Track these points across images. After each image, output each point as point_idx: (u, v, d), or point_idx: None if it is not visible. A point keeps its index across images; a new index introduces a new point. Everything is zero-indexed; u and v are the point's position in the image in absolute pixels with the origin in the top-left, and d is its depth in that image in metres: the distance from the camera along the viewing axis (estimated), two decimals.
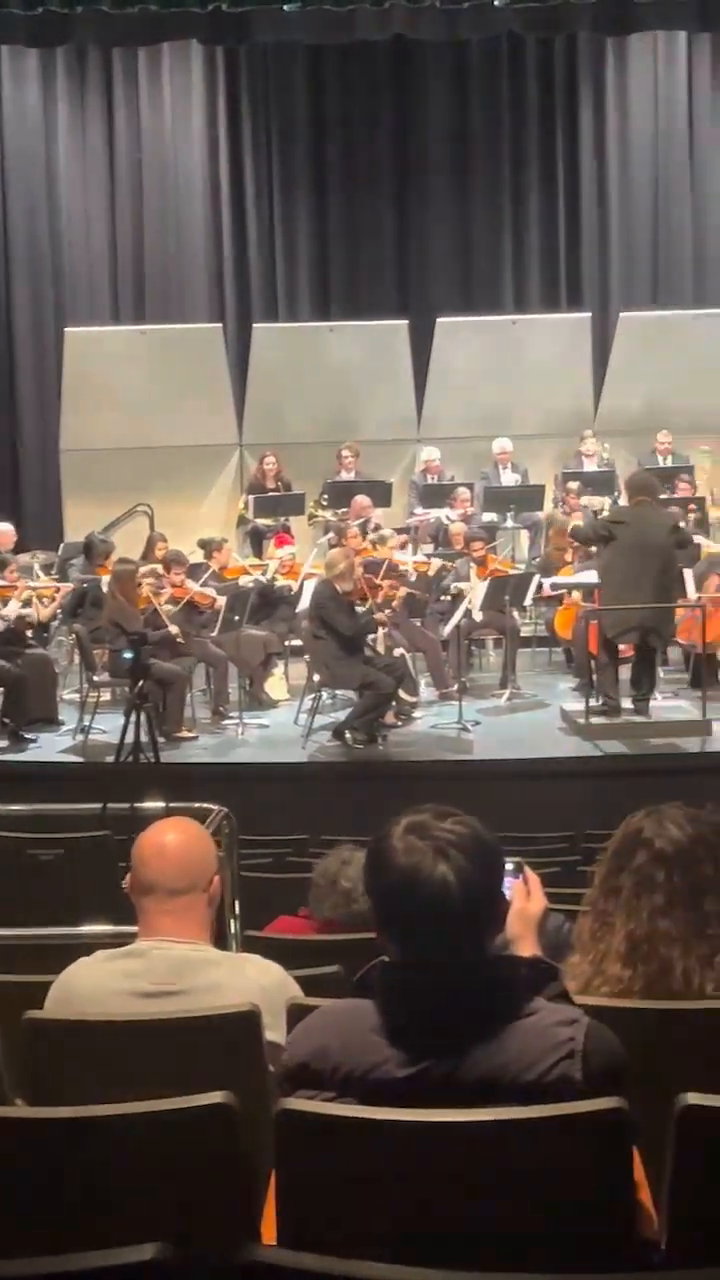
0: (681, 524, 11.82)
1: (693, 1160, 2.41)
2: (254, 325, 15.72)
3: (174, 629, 11.06)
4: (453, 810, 2.57)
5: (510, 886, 2.87)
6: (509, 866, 2.88)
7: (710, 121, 16.70)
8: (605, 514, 12.41)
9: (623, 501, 11.46)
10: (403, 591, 11.34)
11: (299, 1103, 2.41)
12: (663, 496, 13.57)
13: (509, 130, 16.64)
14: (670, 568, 10.72)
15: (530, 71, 16.61)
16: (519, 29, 14.89)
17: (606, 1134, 2.37)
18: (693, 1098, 2.42)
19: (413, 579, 11.92)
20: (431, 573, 12.07)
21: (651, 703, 10.93)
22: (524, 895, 2.89)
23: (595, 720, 10.66)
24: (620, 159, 16.73)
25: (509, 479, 14.94)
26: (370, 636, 11.00)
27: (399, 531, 13.43)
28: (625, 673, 10.97)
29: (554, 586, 12.27)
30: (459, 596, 11.87)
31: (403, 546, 12.76)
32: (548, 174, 16.73)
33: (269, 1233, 2.50)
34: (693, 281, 16.80)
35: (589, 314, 16.03)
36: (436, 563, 12.27)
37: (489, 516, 14.41)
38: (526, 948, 2.81)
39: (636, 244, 16.87)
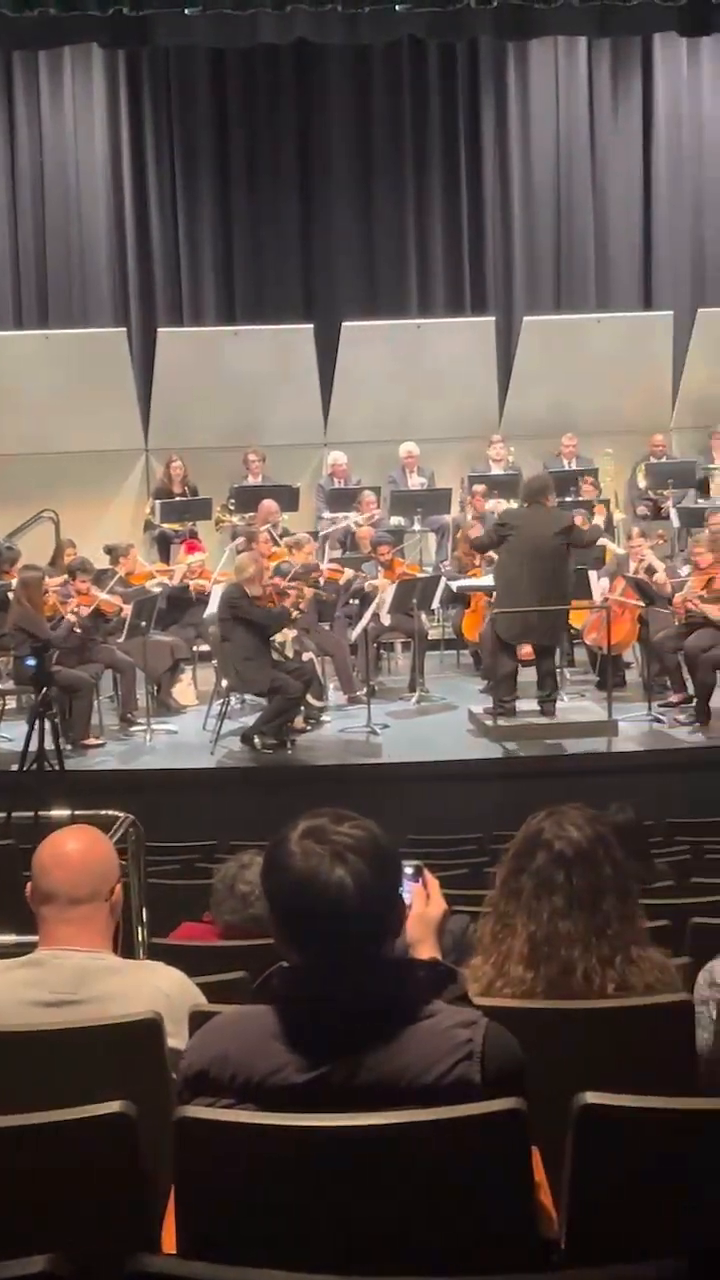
0: (592, 521, 11.92)
1: (590, 1159, 2.43)
2: (158, 330, 15.64)
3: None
4: (350, 814, 2.56)
5: (410, 890, 2.87)
6: (408, 870, 2.88)
7: (611, 126, 16.84)
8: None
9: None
10: (310, 594, 11.33)
11: (196, 1110, 2.40)
12: (566, 498, 13.72)
13: (412, 135, 16.67)
14: (561, 569, 10.72)
15: (432, 76, 16.65)
16: (420, 33, 14.94)
17: (505, 1135, 2.37)
18: (590, 1096, 2.44)
19: (324, 582, 11.90)
20: (342, 581, 12.06)
21: (558, 704, 11.00)
22: (423, 899, 2.88)
23: (503, 722, 10.71)
24: (523, 163, 16.81)
25: (416, 482, 14.97)
26: (278, 640, 10.99)
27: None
28: (532, 674, 11.04)
29: (459, 588, 12.32)
30: (368, 597, 11.88)
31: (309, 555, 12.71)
32: (451, 179, 16.78)
33: (170, 1242, 2.49)
34: (595, 285, 16.92)
35: (493, 318, 16.09)
36: (349, 572, 12.24)
37: (396, 520, 14.44)
38: (426, 951, 2.81)
39: (539, 248, 16.96)
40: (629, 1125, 2.45)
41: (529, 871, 3.34)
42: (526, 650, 10.93)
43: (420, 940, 2.83)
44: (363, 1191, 2.36)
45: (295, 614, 10.95)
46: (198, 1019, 3.14)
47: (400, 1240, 2.37)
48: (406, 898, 2.85)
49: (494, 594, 11.23)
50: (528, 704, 10.92)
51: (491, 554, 11.49)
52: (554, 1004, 3.21)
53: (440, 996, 2.55)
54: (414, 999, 2.49)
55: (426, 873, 2.94)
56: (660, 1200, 2.48)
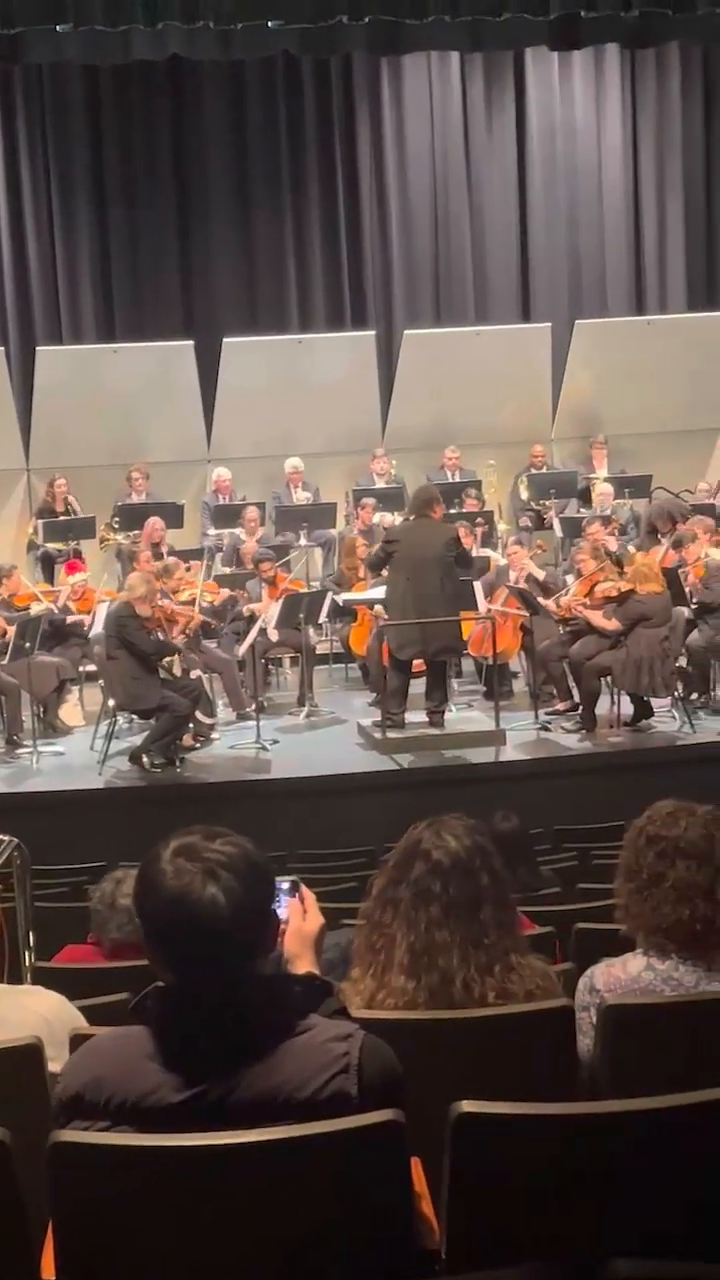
0: (464, 536, 11.99)
1: (468, 1168, 2.44)
2: (37, 348, 15.53)
3: None
4: (222, 830, 2.55)
5: (286, 905, 2.87)
6: (285, 885, 2.88)
7: (485, 140, 16.99)
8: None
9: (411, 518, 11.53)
10: (198, 619, 11.28)
11: (71, 1134, 2.38)
12: (451, 511, 13.79)
13: (288, 150, 16.71)
14: (448, 581, 10.79)
15: (308, 91, 16.70)
16: (294, 49, 14.98)
17: (383, 1147, 2.38)
18: (467, 1106, 2.44)
19: (208, 603, 11.84)
20: (218, 603, 11.99)
21: (446, 714, 11.05)
22: (300, 913, 2.88)
23: (391, 734, 10.73)
24: (399, 177, 16.91)
25: (301, 497, 14.99)
26: (165, 659, 10.93)
27: (191, 555, 13.35)
28: (420, 686, 11.09)
29: (346, 602, 12.34)
30: (252, 618, 11.85)
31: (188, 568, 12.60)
32: (328, 193, 16.84)
33: (50, 1269, 2.46)
34: (474, 298, 17.07)
35: (373, 332, 16.16)
36: (225, 593, 12.18)
37: (283, 535, 14.43)
38: (304, 965, 2.80)
39: (418, 262, 17.07)
40: (506, 1133, 2.46)
41: (407, 882, 3.35)
42: (418, 662, 10.97)
43: (298, 955, 2.82)
44: (242, 1209, 2.35)
45: (182, 638, 10.89)
46: (78, 1043, 3.11)
47: (281, 1256, 2.37)
48: (283, 913, 2.85)
49: (385, 609, 11.25)
50: (416, 715, 10.96)
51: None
52: (435, 1014, 3.22)
53: (317, 1011, 2.55)
54: (290, 1014, 2.48)
55: (303, 887, 2.94)
56: (540, 1207, 2.50)
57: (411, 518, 11.21)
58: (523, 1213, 2.48)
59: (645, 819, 3.66)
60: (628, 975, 3.48)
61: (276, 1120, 2.37)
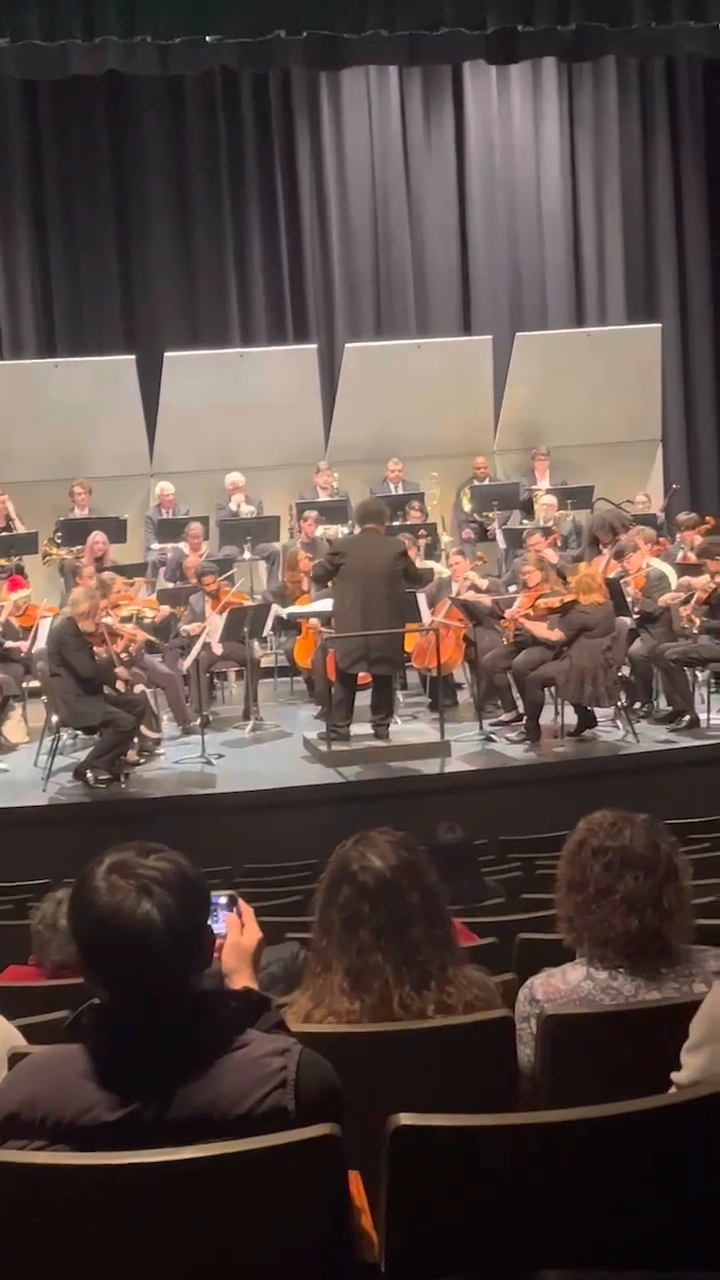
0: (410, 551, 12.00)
1: (406, 1181, 2.44)
2: None
3: None
4: (157, 846, 2.55)
5: (224, 920, 2.87)
6: (222, 900, 2.88)
7: (425, 153, 17.06)
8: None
9: (357, 530, 11.54)
10: (141, 637, 11.24)
11: (6, 1154, 2.36)
12: (395, 523, 13.82)
13: (228, 164, 16.71)
14: (396, 594, 10.81)
15: (246, 106, 16.71)
16: (232, 64, 14.99)
17: (321, 1161, 2.38)
18: (404, 1118, 2.44)
19: (148, 619, 11.79)
20: (159, 619, 11.94)
21: (391, 727, 11.06)
22: (238, 928, 2.88)
23: (337, 747, 10.73)
24: (339, 191, 16.95)
25: (244, 511, 14.97)
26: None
27: (134, 570, 13.32)
28: (367, 698, 11.10)
29: (290, 615, 12.34)
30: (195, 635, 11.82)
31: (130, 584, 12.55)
32: (268, 207, 16.85)
33: None
34: (415, 311, 17.12)
35: (315, 345, 16.19)
36: (165, 609, 12.12)
37: (226, 549, 14.41)
38: (242, 980, 2.80)
39: (359, 275, 17.11)
40: (443, 1145, 2.46)
41: (336, 904, 3.35)
42: (364, 675, 10.98)
43: (236, 970, 2.82)
44: (180, 1226, 2.35)
45: (125, 656, 10.83)
46: (16, 1062, 3.09)
47: (219, 1273, 2.36)
48: (221, 928, 2.85)
49: (330, 621, 11.26)
50: (361, 728, 10.96)
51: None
52: (374, 1027, 3.22)
53: (254, 1026, 2.55)
54: (226, 1030, 2.48)
55: (241, 902, 2.94)
56: (480, 1218, 2.50)
57: (358, 530, 11.22)
58: (462, 1225, 2.48)
59: (585, 830, 3.66)
60: (567, 985, 3.49)
61: (213, 1136, 2.36)
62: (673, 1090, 2.70)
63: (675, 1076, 2.74)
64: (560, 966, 3.57)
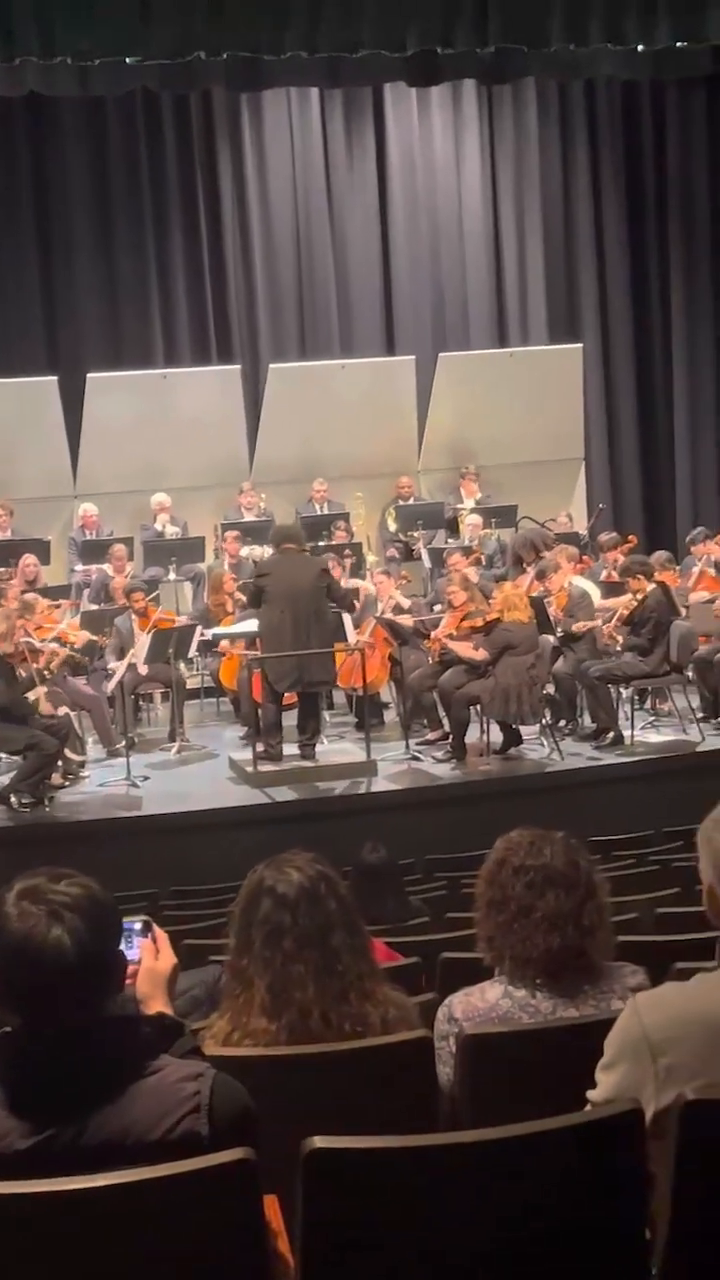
0: (333, 567, 12.03)
1: (320, 1204, 2.43)
2: None
3: None
4: (68, 871, 2.53)
5: (138, 945, 2.85)
6: (137, 925, 2.88)
7: (347, 175, 17.09)
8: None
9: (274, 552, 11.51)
10: (63, 655, 11.17)
11: None
12: (320, 543, 13.85)
13: (150, 185, 16.64)
14: (322, 612, 10.86)
15: (168, 127, 16.65)
16: (153, 85, 14.99)
17: (235, 1185, 2.37)
18: (318, 1141, 2.44)
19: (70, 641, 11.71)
20: (79, 645, 11.82)
21: (318, 746, 11.06)
22: (152, 953, 2.87)
23: (263, 768, 10.71)
24: (261, 212, 16.94)
25: (169, 532, 14.93)
26: (31, 697, 10.80)
27: (58, 591, 13.24)
28: (292, 718, 11.10)
29: (215, 637, 12.31)
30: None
31: (55, 606, 12.46)
32: (191, 228, 16.81)
33: None
34: (339, 331, 17.14)
35: (239, 366, 16.17)
36: (84, 635, 12.02)
37: (151, 570, 14.36)
38: (156, 1005, 2.79)
39: (282, 295, 17.11)
40: (358, 1167, 2.46)
41: (256, 922, 3.35)
42: (291, 696, 11.00)
43: (150, 995, 2.81)
44: (95, 1254, 2.33)
45: (47, 674, 10.76)
46: None
47: None
48: (135, 953, 2.84)
49: (256, 641, 11.24)
50: (288, 748, 10.97)
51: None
52: (292, 1050, 3.21)
53: (169, 1051, 2.54)
54: (139, 1056, 2.47)
55: (155, 927, 2.93)
56: (396, 1239, 2.49)
57: (277, 551, 11.22)
58: (378, 1247, 2.48)
59: (504, 850, 3.68)
60: (486, 1003, 3.50)
61: (127, 1163, 2.36)
62: (588, 1108, 2.71)
63: (590, 1094, 2.75)
64: (479, 985, 3.58)
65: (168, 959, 2.88)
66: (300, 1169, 2.42)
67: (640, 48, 14.81)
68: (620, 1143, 2.53)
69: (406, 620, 11.72)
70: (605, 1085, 2.71)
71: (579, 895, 3.53)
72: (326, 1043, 3.27)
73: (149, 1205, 2.32)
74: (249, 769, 10.76)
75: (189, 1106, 2.41)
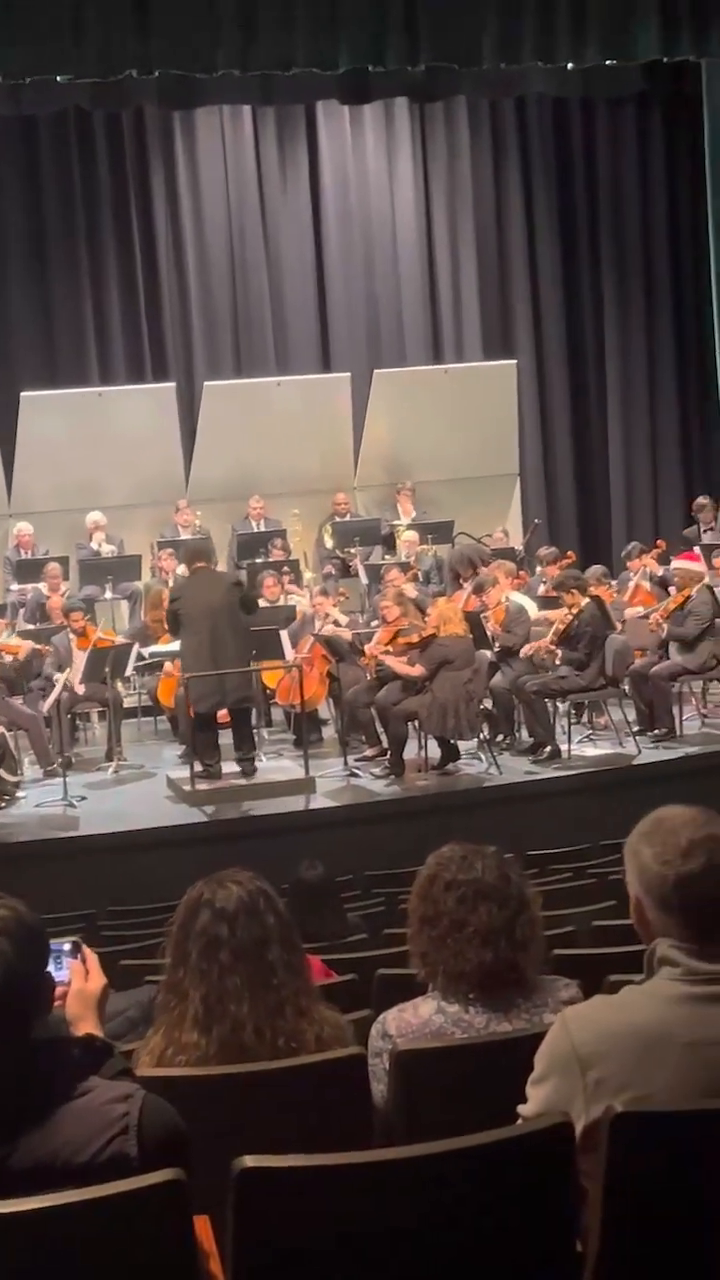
0: (272, 585, 12.04)
1: (251, 1223, 2.42)
2: None
3: None
4: None
5: (68, 966, 2.84)
6: (66, 946, 2.86)
7: (280, 192, 17.09)
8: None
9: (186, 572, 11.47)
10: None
11: None
12: (257, 560, 13.84)
13: (83, 204, 16.56)
14: (238, 626, 10.82)
15: (100, 146, 16.59)
16: (85, 104, 14.96)
17: (165, 1207, 2.36)
18: (249, 1160, 2.43)
19: (7, 661, 11.66)
20: (22, 657, 11.78)
21: (257, 763, 11.04)
22: (81, 975, 2.85)
23: (201, 786, 10.69)
24: (195, 230, 16.91)
25: (105, 550, 14.89)
26: None
27: None
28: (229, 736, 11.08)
29: (151, 655, 12.28)
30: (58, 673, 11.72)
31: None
32: (125, 247, 16.75)
33: None
34: (274, 348, 17.14)
35: (174, 384, 16.14)
36: (27, 645, 11.98)
37: (88, 589, 14.31)
38: (86, 1027, 2.78)
39: (217, 313, 17.08)
40: (290, 1187, 2.45)
41: (194, 935, 3.34)
42: (223, 713, 10.97)
43: (80, 1017, 2.80)
44: (23, 1278, 2.31)
45: None
46: None
47: None
48: (64, 974, 2.82)
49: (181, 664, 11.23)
50: (229, 765, 10.96)
51: None
52: (226, 1069, 3.20)
53: (98, 1072, 2.52)
54: (68, 1078, 2.45)
55: (85, 948, 2.91)
56: (329, 1258, 2.49)
57: (187, 572, 11.19)
58: (311, 1265, 2.47)
59: (436, 865, 3.68)
60: (419, 1019, 3.50)
61: (55, 1186, 2.34)
62: (519, 1123, 2.71)
63: (521, 1109, 2.76)
64: (412, 1001, 3.58)
65: (97, 980, 2.87)
66: (232, 1188, 2.41)
67: (570, 66, 14.92)
68: (550, 1156, 2.53)
69: (346, 634, 11.73)
70: (535, 1099, 2.72)
71: (511, 909, 3.54)
72: (259, 1058, 3.26)
73: (78, 1228, 2.30)
74: (187, 788, 10.73)
75: (118, 1128, 2.39)
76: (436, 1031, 3.46)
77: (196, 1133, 2.70)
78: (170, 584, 13.72)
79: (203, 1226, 2.59)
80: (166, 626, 11.46)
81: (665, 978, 2.67)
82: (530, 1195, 2.54)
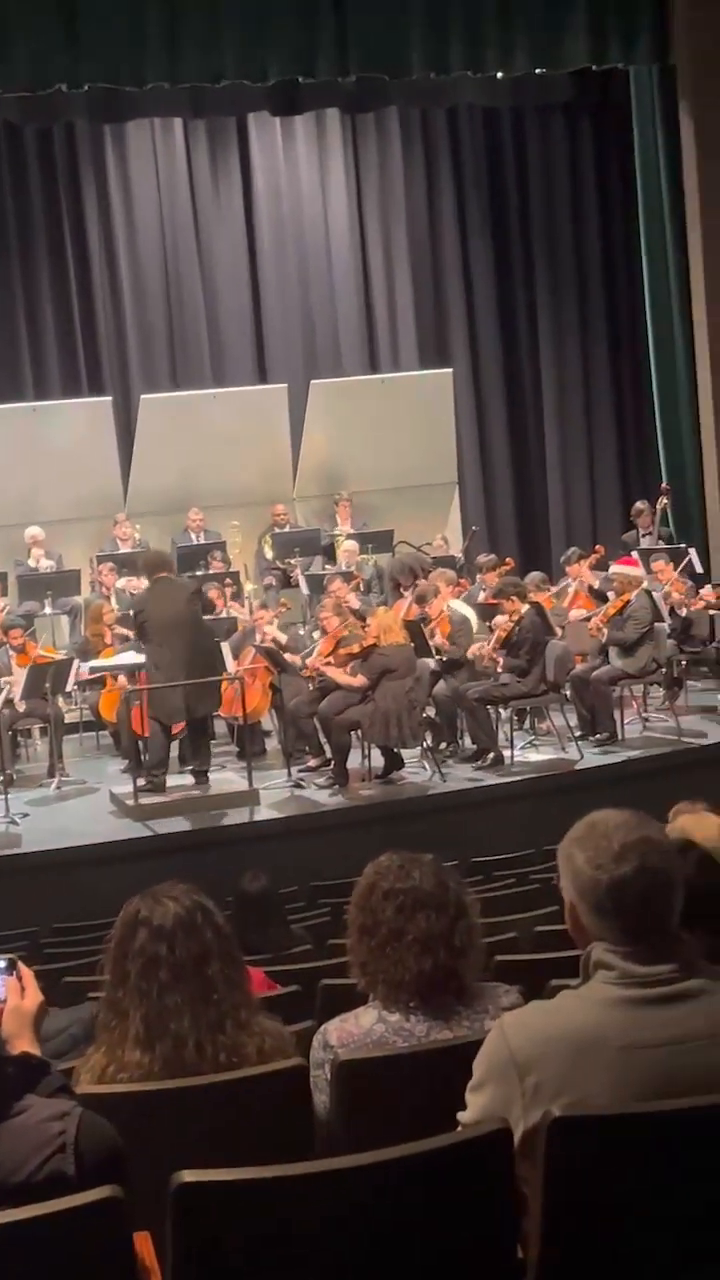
0: (215, 596, 12.03)
1: (191, 1239, 2.41)
2: None
3: None
4: None
5: (4, 984, 2.82)
6: (1, 964, 2.85)
7: (213, 204, 17.07)
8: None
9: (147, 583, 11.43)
10: None
11: None
12: (198, 572, 13.81)
13: (15, 218, 16.45)
14: (202, 636, 10.87)
15: (31, 160, 16.48)
16: (14, 118, 14.91)
17: (104, 1224, 2.35)
18: (187, 1175, 2.42)
19: None
20: None
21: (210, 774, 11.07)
22: (18, 992, 2.84)
23: (145, 800, 10.65)
24: (129, 243, 16.86)
25: (44, 565, 14.82)
26: None
27: None
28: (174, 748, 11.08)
29: (93, 670, 12.23)
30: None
31: None
32: (58, 261, 16.68)
33: None
34: (210, 361, 17.11)
35: (110, 398, 16.09)
36: None
37: (27, 604, 14.23)
38: (22, 1045, 2.76)
39: (152, 327, 17.03)
40: (229, 1200, 2.44)
41: (133, 954, 3.33)
42: (179, 724, 10.99)
43: (16, 1035, 2.78)
44: None
45: None
46: None
47: None
48: (1, 992, 2.81)
49: (136, 674, 11.20)
50: (182, 778, 10.96)
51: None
52: (167, 1084, 3.19)
53: (35, 1090, 2.51)
54: (3, 1096, 2.44)
55: (21, 966, 2.90)
56: (268, 1271, 2.48)
57: (148, 583, 11.16)
58: (251, 1278, 2.47)
59: (374, 875, 3.68)
60: (360, 1029, 3.50)
61: None
62: (458, 1130, 2.72)
63: (460, 1116, 2.76)
64: (354, 1011, 3.58)
65: (34, 997, 2.85)
66: (170, 1204, 2.41)
67: (500, 75, 15.02)
68: (489, 1163, 2.54)
69: (289, 656, 11.69)
70: (474, 1106, 2.72)
71: (449, 916, 3.54)
72: (201, 1073, 3.25)
73: (16, 1247, 2.29)
74: (130, 802, 10.69)
75: (55, 1146, 2.38)
76: (378, 1041, 3.46)
77: (138, 1149, 2.70)
78: (112, 599, 13.72)
79: (144, 1243, 2.58)
80: (133, 633, 11.41)
81: (600, 981, 2.69)
82: (470, 1202, 2.55)
